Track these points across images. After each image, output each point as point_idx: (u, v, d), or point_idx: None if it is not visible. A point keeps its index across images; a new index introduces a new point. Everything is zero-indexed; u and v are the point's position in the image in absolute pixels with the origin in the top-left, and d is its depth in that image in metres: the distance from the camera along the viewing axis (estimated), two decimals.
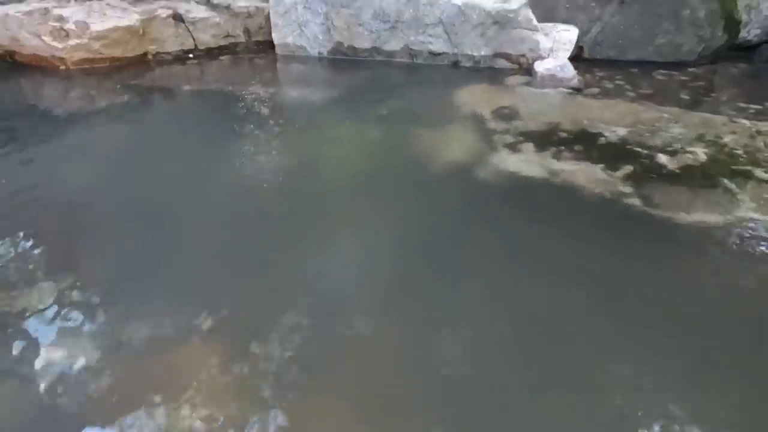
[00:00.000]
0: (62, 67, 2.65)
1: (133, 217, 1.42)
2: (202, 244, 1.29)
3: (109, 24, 2.65)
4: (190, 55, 2.95)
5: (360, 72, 2.78)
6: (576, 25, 2.83)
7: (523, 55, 2.70)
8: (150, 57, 2.84)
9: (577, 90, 2.41)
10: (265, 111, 2.29)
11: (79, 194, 1.53)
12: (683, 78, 2.68)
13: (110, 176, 1.66)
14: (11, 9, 2.63)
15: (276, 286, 1.14)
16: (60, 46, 2.60)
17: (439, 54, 2.79)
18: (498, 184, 1.59)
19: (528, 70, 2.67)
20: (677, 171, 1.63)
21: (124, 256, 1.24)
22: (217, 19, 2.98)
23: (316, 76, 2.81)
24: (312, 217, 1.44)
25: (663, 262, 1.24)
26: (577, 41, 2.79)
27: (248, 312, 1.05)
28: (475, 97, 2.37)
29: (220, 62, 2.94)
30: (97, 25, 2.63)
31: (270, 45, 3.13)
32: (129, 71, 2.67)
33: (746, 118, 2.06)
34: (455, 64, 2.80)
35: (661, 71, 2.78)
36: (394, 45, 2.82)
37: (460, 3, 2.60)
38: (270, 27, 3.05)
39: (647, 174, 1.61)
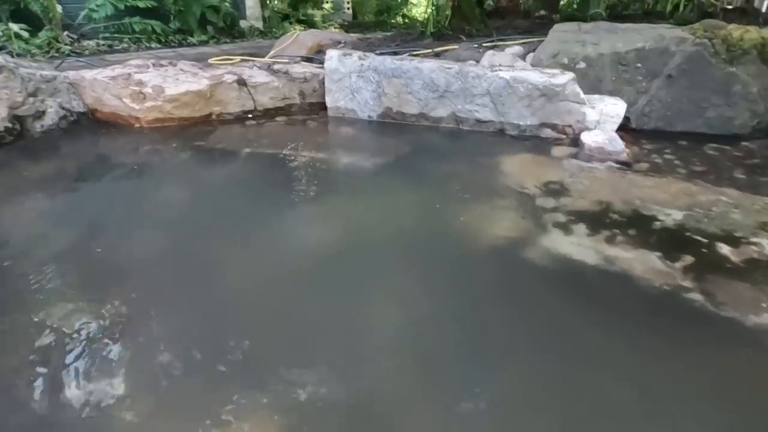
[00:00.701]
0: (137, 125, 2.91)
1: (181, 279, 1.50)
2: (245, 309, 1.35)
3: (182, 88, 2.91)
4: (250, 116, 3.18)
5: (407, 136, 2.90)
6: (623, 97, 2.87)
7: (570, 126, 2.74)
8: (214, 117, 3.08)
9: (626, 165, 2.41)
10: (315, 174, 2.41)
11: (128, 246, 1.64)
12: (737, 154, 2.63)
13: (160, 230, 1.77)
14: (99, 74, 2.94)
15: (313, 363, 1.16)
16: (137, 107, 2.87)
17: (485, 122, 2.88)
18: (548, 267, 1.59)
19: (575, 141, 2.70)
20: (741, 265, 1.58)
21: (171, 320, 1.30)
22: (276, 84, 3.21)
23: (365, 140, 2.95)
24: (350, 288, 1.47)
25: (729, 368, 1.18)
26: (625, 113, 2.81)
27: (282, 383, 1.07)
28: (521, 169, 2.41)
29: (276, 123, 3.14)
30: (171, 89, 2.89)
31: (322, 106, 3.33)
32: (195, 130, 2.90)
33: None
34: (501, 132, 2.87)
35: (713, 145, 2.74)
36: (441, 112, 2.94)
37: (507, 77, 2.70)
38: (323, 90, 3.26)
39: (709, 266, 1.57)
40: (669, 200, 2.02)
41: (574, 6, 5.01)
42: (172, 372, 1.15)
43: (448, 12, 3.89)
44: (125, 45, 5.49)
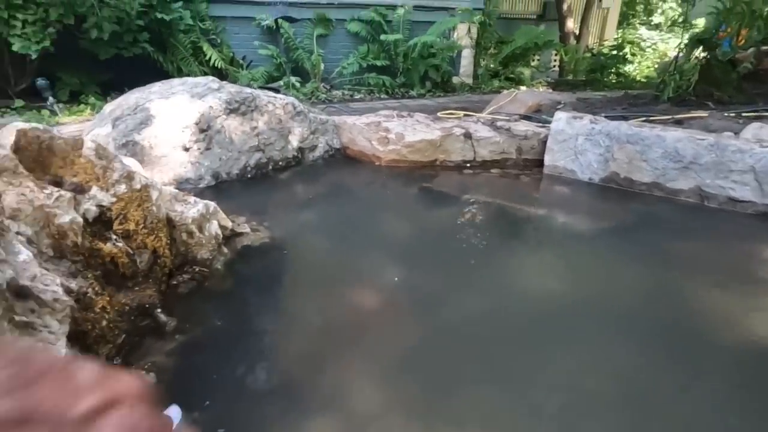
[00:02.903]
0: (377, 163, 3.49)
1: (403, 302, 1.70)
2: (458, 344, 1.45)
3: (418, 137, 3.39)
4: (468, 165, 3.47)
5: (633, 205, 2.71)
6: None
7: None
8: (438, 163, 3.46)
9: None
10: (531, 229, 2.46)
11: (365, 260, 1.94)
12: None
13: (388, 253, 2.06)
14: (357, 120, 3.67)
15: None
16: (381, 149, 3.46)
17: (743, 201, 2.49)
18: None
19: None
20: None
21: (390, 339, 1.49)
22: (497, 139, 3.44)
23: (584, 202, 2.88)
24: (569, 347, 1.44)
25: None
26: None
27: None
28: None
29: (491, 174, 3.35)
30: (410, 137, 3.39)
31: (537, 163, 3.40)
32: (421, 173, 3.32)
33: None
34: (764, 216, 2.44)
35: None
36: (681, 184, 2.68)
37: None
38: (541, 148, 3.33)
39: None
40: None
41: None
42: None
43: (695, 75, 3.54)
44: (362, 95, 6.67)
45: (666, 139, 2.66)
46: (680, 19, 9.21)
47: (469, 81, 7.48)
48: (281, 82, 6.49)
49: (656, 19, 14.92)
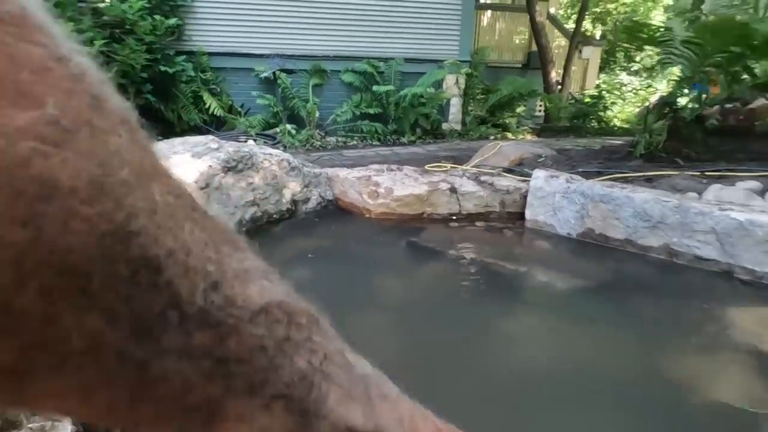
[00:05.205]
0: (367, 215, 3.66)
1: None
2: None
3: (406, 191, 3.58)
4: (454, 218, 3.64)
5: (609, 262, 2.88)
6: None
7: None
8: (425, 216, 3.64)
9: None
10: (512, 287, 2.61)
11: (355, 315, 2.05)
12: None
13: (377, 309, 2.17)
14: (349, 174, 3.86)
15: None
16: (371, 202, 3.63)
17: (708, 260, 2.66)
18: None
19: None
20: None
21: None
22: (481, 193, 3.63)
23: (563, 258, 3.04)
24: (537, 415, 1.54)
25: None
26: None
27: None
28: (754, 323, 2.14)
29: (476, 228, 3.52)
30: (399, 191, 3.58)
31: (519, 216, 3.58)
32: (409, 226, 3.48)
33: None
34: (728, 274, 2.60)
35: None
36: (651, 241, 2.85)
37: (741, 218, 2.50)
38: (523, 202, 3.53)
39: None
40: None
41: None
42: None
43: (664, 135, 3.81)
44: (355, 142, 6.95)
45: (635, 199, 2.86)
46: (657, 67, 9.78)
47: (458, 128, 7.82)
48: (278, 129, 6.77)
49: (636, 66, 15.76)
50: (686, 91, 4.19)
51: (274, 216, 3.46)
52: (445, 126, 7.83)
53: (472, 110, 7.99)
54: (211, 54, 6.76)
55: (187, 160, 3.06)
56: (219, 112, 6.66)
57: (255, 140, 5.84)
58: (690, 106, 4.29)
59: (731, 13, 5.15)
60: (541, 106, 9.85)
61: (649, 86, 14.06)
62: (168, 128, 6.17)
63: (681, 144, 3.91)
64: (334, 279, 2.68)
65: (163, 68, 5.90)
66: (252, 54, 7.02)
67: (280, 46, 7.14)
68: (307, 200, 3.74)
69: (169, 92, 6.27)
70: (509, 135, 7.85)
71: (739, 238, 2.53)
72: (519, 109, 8.91)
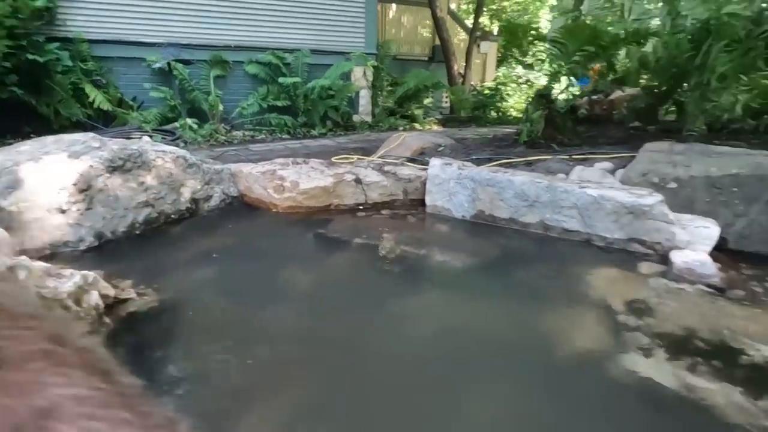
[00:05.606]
0: (274, 210, 3.64)
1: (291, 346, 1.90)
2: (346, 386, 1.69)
3: (312, 184, 3.62)
4: (360, 207, 3.77)
5: (497, 239, 3.22)
6: (718, 218, 2.91)
7: (659, 243, 2.85)
8: (333, 207, 3.72)
9: (719, 290, 2.43)
10: (412, 269, 2.81)
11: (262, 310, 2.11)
12: None
13: (284, 301, 2.24)
14: (253, 169, 3.79)
15: None
16: (277, 196, 3.62)
17: (573, 231, 3.10)
18: (624, 386, 1.72)
19: (663, 258, 2.78)
20: None
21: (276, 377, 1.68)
22: (385, 183, 3.81)
23: (459, 238, 3.33)
24: (421, 398, 1.75)
25: None
26: (720, 233, 2.84)
27: None
28: (606, 282, 2.56)
29: (381, 216, 3.68)
30: (304, 184, 3.61)
31: (421, 203, 3.82)
32: (317, 218, 3.53)
33: None
34: (588, 242, 3.06)
35: None
36: (530, 218, 3.24)
37: (595, 194, 2.95)
38: (424, 190, 3.77)
39: None
40: (763, 335, 2.03)
41: (671, 117, 5.13)
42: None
43: (542, 124, 4.30)
44: (264, 135, 6.77)
45: (515, 182, 3.21)
46: (545, 61, 10.83)
47: (368, 119, 7.98)
48: (177, 124, 6.35)
49: (529, 59, 17.24)
50: (559, 84, 4.76)
51: (173, 216, 3.30)
52: (355, 118, 7.94)
53: (381, 102, 8.20)
54: (92, 41, 6.09)
55: (62, 161, 2.78)
56: (106, 106, 6.05)
57: (151, 136, 5.42)
58: (563, 97, 4.87)
59: (603, 15, 5.93)
60: (447, 97, 10.41)
61: (532, 80, 15.47)
62: (44, 125, 5.47)
63: (556, 131, 4.44)
64: (240, 277, 2.65)
65: (31, 57, 5.20)
66: (142, 42, 6.46)
67: (175, 34, 6.66)
68: (209, 198, 3.61)
69: (41, 84, 5.54)
70: (417, 126, 8.20)
71: (594, 211, 2.98)
72: (426, 101, 9.33)
